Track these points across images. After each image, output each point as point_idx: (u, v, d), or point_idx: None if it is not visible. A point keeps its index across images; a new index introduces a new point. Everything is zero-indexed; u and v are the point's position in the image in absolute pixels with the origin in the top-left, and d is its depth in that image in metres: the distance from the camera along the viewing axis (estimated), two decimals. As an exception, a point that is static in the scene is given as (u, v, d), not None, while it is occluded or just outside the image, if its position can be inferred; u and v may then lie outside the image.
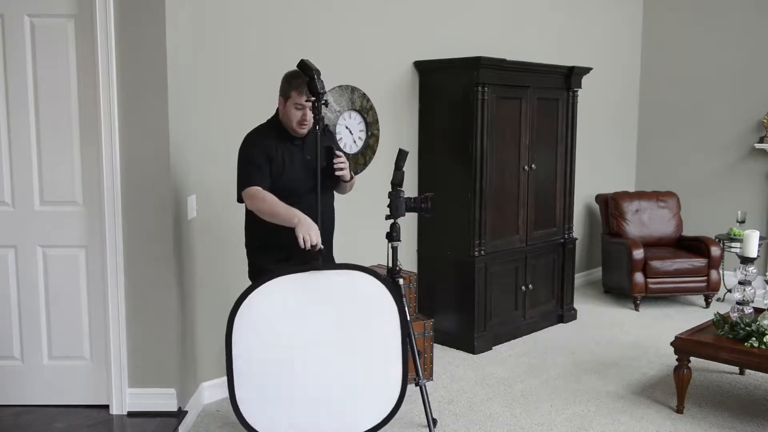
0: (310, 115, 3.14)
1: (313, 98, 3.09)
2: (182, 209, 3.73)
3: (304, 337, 2.94)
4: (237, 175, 3.22)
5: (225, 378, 4.08)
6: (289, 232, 3.01)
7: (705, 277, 5.96)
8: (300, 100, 3.13)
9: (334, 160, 3.24)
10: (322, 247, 3.02)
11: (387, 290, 3.02)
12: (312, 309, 2.97)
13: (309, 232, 2.96)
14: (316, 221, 3.07)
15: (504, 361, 4.77)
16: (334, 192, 3.46)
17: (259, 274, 3.22)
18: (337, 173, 3.24)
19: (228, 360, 2.90)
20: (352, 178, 3.38)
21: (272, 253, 3.23)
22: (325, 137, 3.26)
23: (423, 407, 3.55)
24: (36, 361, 3.69)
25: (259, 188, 3.11)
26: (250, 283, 3.38)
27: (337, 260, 4.41)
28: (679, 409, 3.94)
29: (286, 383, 2.93)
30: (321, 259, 3.03)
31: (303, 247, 2.95)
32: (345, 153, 3.51)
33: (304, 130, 3.20)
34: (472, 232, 4.85)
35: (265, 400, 2.91)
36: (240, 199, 3.22)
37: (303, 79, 3.10)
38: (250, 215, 3.26)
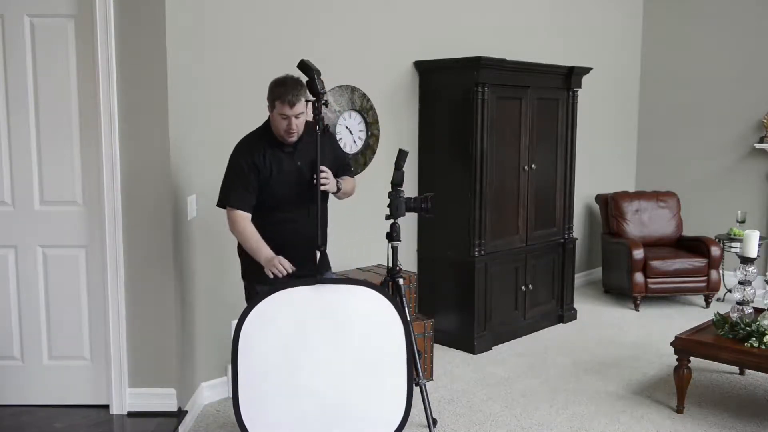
0: (297, 123, 3.10)
1: (313, 98, 3.08)
2: (182, 209, 3.73)
3: (308, 352, 2.93)
4: (222, 182, 3.24)
5: (225, 378, 4.11)
6: (280, 229, 3.17)
7: (705, 277, 5.96)
8: (283, 110, 3.07)
9: (315, 176, 3.14)
10: (293, 269, 3.05)
11: (391, 304, 3.00)
12: (316, 324, 2.96)
13: (275, 268, 3.02)
14: (309, 234, 3.13)
15: (504, 361, 4.77)
16: (329, 196, 3.39)
17: (252, 272, 3.25)
18: (322, 188, 3.15)
19: (234, 373, 2.88)
20: (338, 190, 3.28)
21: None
22: (324, 138, 3.20)
23: (423, 407, 3.55)
24: (36, 361, 3.69)
25: (239, 215, 3.15)
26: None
27: (340, 261, 4.44)
28: (679, 409, 3.94)
29: (290, 398, 2.91)
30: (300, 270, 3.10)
31: (277, 277, 3.03)
32: (347, 154, 3.47)
33: (293, 138, 3.16)
34: (472, 232, 4.85)
35: (269, 415, 2.90)
36: (220, 205, 3.24)
37: (289, 88, 3.06)
38: None
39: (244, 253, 3.31)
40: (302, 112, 3.09)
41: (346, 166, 3.50)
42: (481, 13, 5.49)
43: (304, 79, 3.21)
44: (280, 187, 3.17)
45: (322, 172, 3.14)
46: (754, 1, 6.53)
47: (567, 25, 6.30)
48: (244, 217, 3.16)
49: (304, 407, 2.92)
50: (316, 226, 3.12)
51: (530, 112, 5.19)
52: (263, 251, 3.10)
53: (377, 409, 2.99)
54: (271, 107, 3.13)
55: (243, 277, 3.38)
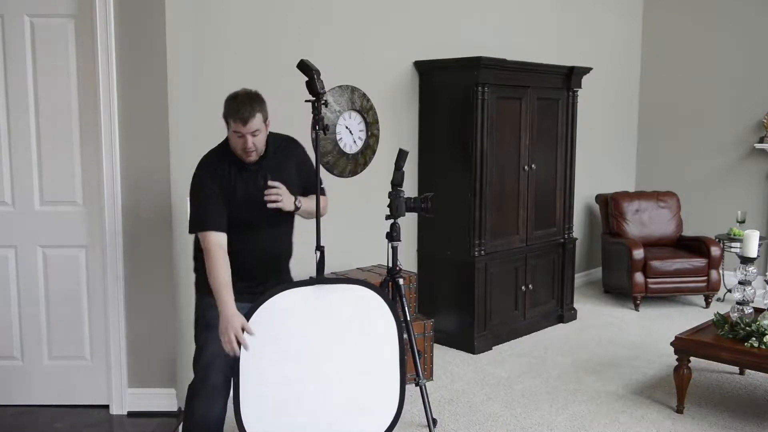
0: (254, 141, 2.81)
1: (313, 98, 3.07)
2: (182, 209, 3.73)
3: (307, 352, 2.92)
4: (190, 208, 2.91)
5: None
6: (243, 247, 2.89)
7: (705, 277, 5.95)
8: (237, 127, 2.78)
9: (266, 192, 2.87)
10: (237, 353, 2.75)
11: (385, 303, 3.00)
12: (315, 324, 2.94)
13: (227, 343, 2.72)
14: (273, 251, 2.99)
15: (504, 361, 4.77)
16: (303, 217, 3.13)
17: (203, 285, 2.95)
18: (270, 206, 2.88)
19: (234, 374, 2.88)
20: (297, 208, 2.98)
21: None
22: (288, 152, 2.95)
23: (423, 407, 3.55)
24: (36, 361, 3.69)
25: (213, 241, 2.81)
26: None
27: (340, 261, 4.44)
28: (679, 409, 3.94)
29: (289, 399, 2.91)
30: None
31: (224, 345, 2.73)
32: (317, 170, 3.06)
33: (252, 158, 2.87)
34: (472, 232, 4.85)
35: (268, 415, 2.90)
36: (196, 230, 2.90)
37: (241, 103, 2.77)
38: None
39: (200, 267, 3.02)
40: (258, 129, 2.81)
41: (316, 185, 3.11)
42: (481, 13, 5.49)
43: (303, 79, 3.19)
44: (246, 207, 2.89)
45: (273, 188, 2.88)
46: (754, 1, 6.53)
47: (567, 25, 6.30)
48: (219, 245, 2.82)
49: (302, 407, 2.92)
50: (281, 243, 3.01)
51: (530, 112, 5.19)
52: (226, 302, 2.75)
53: (371, 407, 3.00)
54: (227, 125, 2.84)
55: (195, 290, 3.09)
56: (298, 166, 3.08)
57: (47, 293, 3.65)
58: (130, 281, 3.60)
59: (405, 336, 3.14)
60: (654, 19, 7.17)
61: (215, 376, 2.85)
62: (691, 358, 3.92)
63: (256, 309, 2.87)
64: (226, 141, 2.94)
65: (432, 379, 4.40)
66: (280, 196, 2.90)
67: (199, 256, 2.98)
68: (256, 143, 2.82)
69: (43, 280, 3.65)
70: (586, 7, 6.51)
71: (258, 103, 2.81)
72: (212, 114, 3.96)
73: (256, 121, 2.79)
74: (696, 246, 6.14)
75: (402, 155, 3.54)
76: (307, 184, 3.08)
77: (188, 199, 2.95)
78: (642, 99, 7.31)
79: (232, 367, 2.82)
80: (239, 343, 2.73)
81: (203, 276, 2.92)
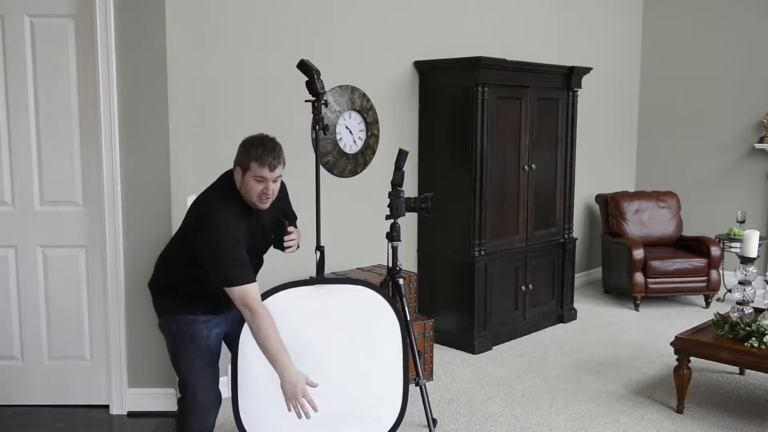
0: (273, 188, 2.73)
1: (313, 98, 3.07)
2: (182, 209, 3.73)
3: (307, 352, 2.91)
4: (218, 261, 2.67)
5: (225, 378, 4.09)
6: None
7: (705, 277, 5.95)
8: (262, 172, 2.67)
9: (285, 238, 2.92)
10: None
11: (388, 304, 3.00)
12: (315, 324, 2.94)
13: (297, 396, 2.68)
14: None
15: (504, 361, 4.77)
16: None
17: (176, 306, 2.86)
18: (287, 252, 2.97)
19: (233, 374, 2.88)
20: (298, 246, 3.04)
21: (199, 303, 2.83)
22: (276, 209, 2.89)
23: (423, 407, 3.55)
24: (36, 361, 3.69)
25: (258, 299, 2.71)
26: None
27: (340, 261, 4.45)
28: (679, 409, 3.94)
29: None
30: None
31: (291, 410, 2.69)
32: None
33: (266, 204, 2.76)
34: (472, 232, 4.85)
35: (268, 416, 2.90)
36: (231, 285, 2.67)
37: (268, 149, 2.69)
38: (183, 254, 2.83)
39: (163, 287, 2.91)
40: (280, 175, 2.75)
41: (294, 217, 3.16)
42: (481, 13, 5.49)
43: (303, 79, 3.19)
44: (248, 250, 2.80)
45: (290, 233, 2.94)
46: (754, 1, 6.53)
47: (567, 25, 6.30)
48: (267, 311, 2.74)
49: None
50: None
51: (530, 112, 5.19)
52: (289, 367, 2.69)
53: (374, 408, 2.99)
54: (243, 170, 2.71)
55: (163, 312, 2.91)
56: (283, 201, 3.03)
57: (47, 293, 3.66)
58: (130, 281, 3.60)
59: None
60: (654, 19, 7.17)
61: (207, 392, 2.87)
62: (691, 358, 3.92)
63: None
64: (228, 187, 2.81)
65: (432, 379, 4.40)
66: (295, 240, 2.97)
67: (178, 275, 2.87)
68: (274, 190, 2.76)
69: (43, 280, 3.65)
70: (586, 7, 6.51)
71: (281, 149, 2.76)
72: (212, 114, 3.97)
73: (280, 168, 2.75)
74: (696, 246, 6.14)
75: (402, 155, 3.54)
76: (284, 213, 3.08)
77: (207, 249, 2.69)
78: (642, 99, 7.31)
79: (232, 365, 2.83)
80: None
81: (178, 295, 2.85)
